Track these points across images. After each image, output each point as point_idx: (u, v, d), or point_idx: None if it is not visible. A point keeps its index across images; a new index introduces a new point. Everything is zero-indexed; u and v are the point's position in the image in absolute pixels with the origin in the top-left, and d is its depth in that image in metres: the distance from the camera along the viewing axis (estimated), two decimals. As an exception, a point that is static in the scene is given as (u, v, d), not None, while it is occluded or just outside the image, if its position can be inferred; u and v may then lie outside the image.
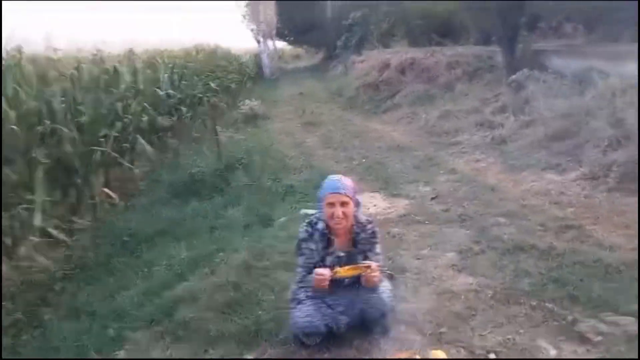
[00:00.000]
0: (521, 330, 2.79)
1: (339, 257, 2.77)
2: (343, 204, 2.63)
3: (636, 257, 3.39)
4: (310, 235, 2.77)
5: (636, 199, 4.27)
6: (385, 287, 2.74)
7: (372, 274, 2.58)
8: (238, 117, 12.39)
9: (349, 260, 2.76)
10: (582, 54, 9.15)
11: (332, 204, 2.64)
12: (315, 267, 2.72)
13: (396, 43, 18.04)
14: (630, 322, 2.70)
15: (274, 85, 22.90)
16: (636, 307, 2.82)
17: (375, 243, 2.78)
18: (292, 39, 37.55)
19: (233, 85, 16.89)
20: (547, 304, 2.99)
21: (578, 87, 7.23)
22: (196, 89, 12.12)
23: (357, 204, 2.76)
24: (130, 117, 7.23)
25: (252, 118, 12.53)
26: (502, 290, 3.22)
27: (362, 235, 2.77)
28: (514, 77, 8.38)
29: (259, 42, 28.08)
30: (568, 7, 9.50)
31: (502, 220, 4.31)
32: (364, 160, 7.13)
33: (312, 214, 2.93)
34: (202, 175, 6.57)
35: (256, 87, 21.49)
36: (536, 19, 10.33)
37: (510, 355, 2.59)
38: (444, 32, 16.11)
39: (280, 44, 36.96)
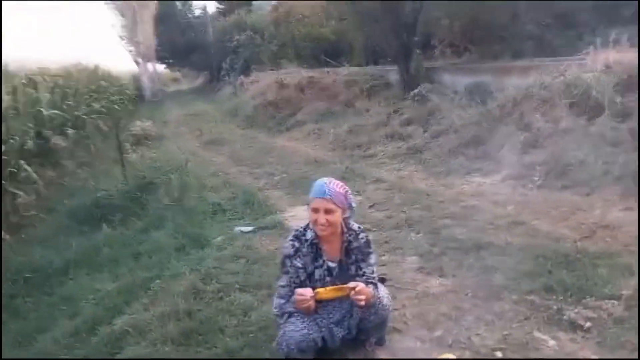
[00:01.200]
0: (514, 325, 2.76)
1: (329, 268, 2.51)
2: (327, 210, 2.37)
3: (586, 245, 3.57)
4: (297, 250, 2.47)
5: (564, 194, 4.56)
6: (382, 291, 2.54)
7: (357, 296, 2.29)
8: (130, 138, 11.51)
9: (341, 271, 2.52)
10: (468, 70, 9.88)
11: (316, 210, 2.39)
12: (302, 284, 2.45)
13: (287, 64, 18.20)
14: (612, 305, 2.78)
15: (159, 107, 21.81)
16: (608, 290, 2.94)
17: (370, 253, 2.54)
18: (172, 61, 36.28)
19: (117, 107, 15.77)
20: (527, 297, 3.00)
21: (478, 99, 7.72)
22: (80, 110, 11.09)
23: (350, 209, 2.50)
24: (16, 138, 6.28)
25: (145, 139, 11.74)
26: (479, 288, 3.18)
27: (355, 244, 2.52)
28: (416, 91, 8.76)
29: (138, 63, 26.71)
30: (456, 28, 10.23)
31: (449, 222, 4.35)
32: (285, 175, 6.92)
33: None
34: (110, 198, 5.88)
35: (140, 109, 20.29)
36: (428, 38, 10.98)
37: (515, 351, 2.53)
38: (332, 54, 16.59)
39: (159, 67, 35.42)
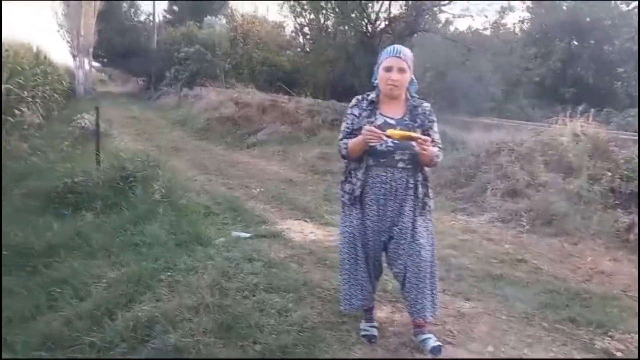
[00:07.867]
0: (554, 349, 2.92)
1: (389, 123, 2.66)
2: (400, 70, 2.62)
3: (590, 287, 3.87)
4: (358, 102, 2.77)
5: (553, 240, 4.92)
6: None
7: (423, 145, 2.48)
8: (76, 131, 10.80)
9: (402, 127, 2.65)
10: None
11: (389, 68, 2.63)
12: (353, 132, 2.71)
13: (239, 84, 18.10)
14: (634, 339, 3.04)
15: (94, 104, 20.57)
16: (624, 326, 3.20)
17: (434, 121, 2.75)
18: (106, 61, 34.82)
19: (56, 96, 14.79)
20: (557, 326, 3.19)
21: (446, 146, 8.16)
22: (25, 91, 10.32)
23: (412, 82, 2.73)
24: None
25: (91, 134, 11.06)
26: (509, 312, 3.33)
27: (419, 109, 2.73)
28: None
29: (74, 57, 25.28)
30: (427, 78, 10.83)
31: (452, 251, 4.51)
32: (263, 190, 6.82)
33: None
34: (86, 186, 5.46)
35: (74, 103, 19.11)
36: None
37: (566, 372, 2.68)
38: (287, 82, 16.78)
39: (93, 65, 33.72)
